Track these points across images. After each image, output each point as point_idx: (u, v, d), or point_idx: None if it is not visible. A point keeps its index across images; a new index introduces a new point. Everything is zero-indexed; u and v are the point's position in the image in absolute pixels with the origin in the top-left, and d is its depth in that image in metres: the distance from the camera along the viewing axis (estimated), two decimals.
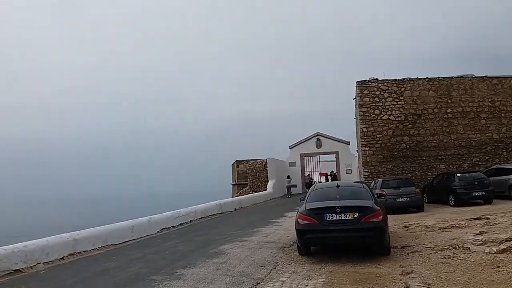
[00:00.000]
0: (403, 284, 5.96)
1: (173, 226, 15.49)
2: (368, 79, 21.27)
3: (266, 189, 31.17)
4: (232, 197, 47.72)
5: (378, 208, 7.90)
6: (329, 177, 38.98)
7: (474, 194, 16.26)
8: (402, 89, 21.03)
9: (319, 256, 8.22)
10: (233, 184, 48.04)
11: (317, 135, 35.03)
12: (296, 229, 8.13)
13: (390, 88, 21.06)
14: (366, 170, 20.62)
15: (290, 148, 35.69)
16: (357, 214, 7.66)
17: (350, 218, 7.66)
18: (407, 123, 20.83)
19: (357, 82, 21.49)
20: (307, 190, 31.55)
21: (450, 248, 7.94)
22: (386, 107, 20.95)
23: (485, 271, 6.28)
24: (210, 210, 19.40)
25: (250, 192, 32.69)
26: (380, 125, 20.82)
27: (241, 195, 32.70)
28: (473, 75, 21.51)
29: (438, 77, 21.25)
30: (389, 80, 21.18)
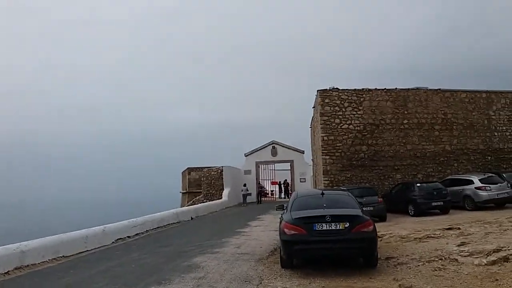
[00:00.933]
0: None
1: (128, 236, 14.34)
2: (329, 88, 21.35)
3: (221, 197, 30.35)
4: (181, 206, 46.43)
5: (368, 217, 7.56)
6: (282, 186, 38.93)
7: (433, 204, 16.63)
8: (362, 99, 21.32)
9: (302, 269, 7.71)
10: (183, 193, 46.67)
11: (273, 143, 34.86)
12: (282, 240, 7.55)
13: (350, 98, 21.27)
14: (326, 179, 20.56)
15: (246, 156, 35.20)
16: (348, 223, 7.25)
17: (340, 228, 7.24)
18: (366, 133, 21.11)
19: (318, 90, 21.51)
20: (258, 199, 31.39)
21: (436, 259, 7.74)
22: (346, 116, 21.11)
23: (485, 285, 6.08)
24: (166, 219, 18.33)
25: (205, 201, 31.66)
26: (340, 134, 20.92)
27: (194, 204, 31.64)
28: (427, 87, 22.29)
29: (396, 88, 21.79)
30: (349, 89, 21.40)
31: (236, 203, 31.60)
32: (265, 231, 14.01)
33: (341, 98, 21.19)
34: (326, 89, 21.29)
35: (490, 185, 16.80)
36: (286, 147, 34.78)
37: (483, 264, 7.05)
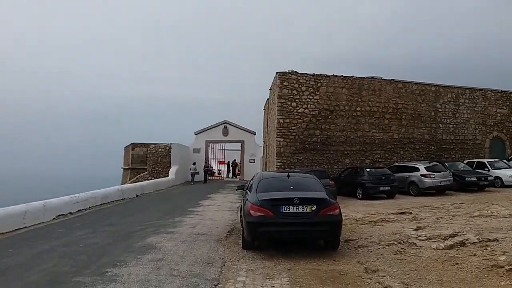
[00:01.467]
0: (378, 284, 5.53)
1: (70, 213, 13.43)
2: (288, 71, 21.14)
3: (168, 175, 29.52)
4: (122, 182, 44.80)
5: (335, 201, 7.45)
6: (230, 166, 38.70)
7: (380, 188, 17.17)
8: (319, 84, 21.37)
9: (265, 251, 7.48)
10: (125, 169, 44.95)
11: (225, 123, 34.32)
12: (246, 222, 7.25)
13: (308, 82, 21.23)
14: (279, 161, 20.53)
15: (196, 134, 34.41)
16: (314, 206, 7.10)
17: (308, 210, 7.07)
18: (320, 118, 21.25)
19: (277, 73, 21.23)
20: (205, 177, 30.70)
21: (395, 243, 7.84)
22: (303, 100, 21.08)
23: (447, 268, 6.18)
24: (111, 196, 17.41)
25: (150, 178, 30.66)
26: (296, 117, 20.89)
27: (139, 181, 30.55)
28: (382, 77, 22.79)
29: (352, 76, 22.06)
30: (308, 74, 21.34)
31: (183, 182, 30.95)
32: (219, 211, 13.68)
33: (300, 82, 21.10)
34: (285, 71, 21.07)
35: (434, 173, 17.59)
36: (238, 128, 34.41)
37: (441, 248, 7.22)
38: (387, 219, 10.31)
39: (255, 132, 34.70)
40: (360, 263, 6.68)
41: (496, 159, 21.41)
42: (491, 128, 25.09)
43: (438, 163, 18.72)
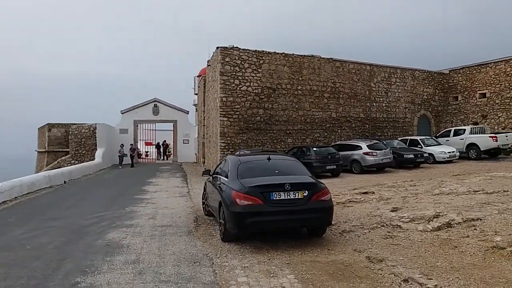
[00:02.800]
0: (394, 276, 5.12)
1: None
2: (229, 46, 20.13)
3: (93, 158, 27.18)
4: (37, 166, 40.74)
5: (324, 185, 6.92)
6: (161, 147, 36.90)
7: (327, 167, 17.24)
8: (261, 61, 20.69)
9: (247, 242, 6.77)
10: (39, 151, 40.83)
11: (155, 101, 32.28)
12: (231, 212, 6.42)
13: (250, 59, 20.43)
14: (223, 141, 19.69)
15: (122, 114, 31.97)
16: (306, 192, 6.50)
17: (299, 197, 6.45)
18: (263, 96, 20.69)
19: (218, 48, 20.09)
20: (132, 161, 28.30)
21: (379, 226, 7.58)
22: (246, 78, 20.29)
23: (449, 252, 5.99)
24: (38, 183, 15.43)
25: (73, 162, 28.01)
26: (239, 96, 20.08)
27: (60, 165, 27.78)
28: (320, 56, 22.75)
29: (293, 54, 21.69)
30: (250, 50, 20.53)
31: (110, 165, 28.81)
32: (170, 197, 12.58)
33: (242, 58, 20.22)
34: (227, 47, 20.03)
35: (376, 151, 18.04)
36: (169, 106, 32.61)
37: (429, 230, 7.08)
38: (354, 200, 10.11)
39: (188, 111, 33.28)
40: (357, 251, 6.25)
41: (427, 137, 22.69)
42: (419, 107, 26.55)
43: (378, 141, 19.25)
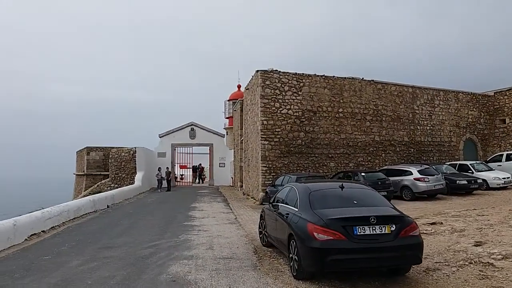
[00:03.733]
0: None
1: (43, 231, 11.47)
2: (269, 70, 19.97)
3: (133, 182, 27.27)
4: (75, 189, 41.39)
5: (411, 218, 6.31)
6: (197, 170, 36.84)
7: None
8: (301, 84, 20.40)
9: (323, 281, 6.19)
10: (78, 175, 41.57)
11: (191, 124, 32.42)
12: (309, 248, 5.89)
13: (290, 82, 20.19)
14: (264, 165, 19.30)
15: (160, 137, 32.22)
16: (394, 226, 5.91)
17: (386, 231, 5.86)
18: (304, 119, 20.28)
19: (258, 71, 19.96)
20: (168, 184, 27.98)
21: (467, 263, 6.86)
22: (286, 101, 20.01)
23: None
24: (83, 208, 15.39)
25: (112, 185, 28.21)
26: (280, 119, 19.77)
27: (102, 188, 28.02)
28: (362, 78, 22.26)
29: (333, 76, 21.31)
30: (290, 73, 20.30)
31: (148, 188, 28.84)
32: (220, 224, 12.17)
33: (282, 81, 20.00)
34: (267, 70, 19.88)
35: (428, 177, 17.17)
36: (206, 130, 32.64)
37: None
38: (423, 231, 9.37)
39: (223, 134, 33.18)
40: None
41: (477, 161, 21.58)
42: (464, 130, 25.45)
43: (428, 166, 18.36)
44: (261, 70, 19.86)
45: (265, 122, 19.44)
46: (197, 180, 36.33)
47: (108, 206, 18.24)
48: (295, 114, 20.09)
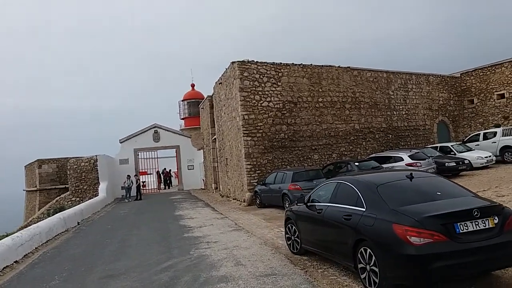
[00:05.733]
0: None
1: (16, 262, 9.53)
2: (246, 60, 18.66)
3: (97, 194, 24.93)
4: (27, 207, 37.87)
5: (510, 208, 5.31)
6: (161, 175, 34.73)
7: None
8: (280, 74, 19.27)
9: None
10: (28, 191, 37.96)
11: (155, 127, 30.28)
12: (401, 255, 4.68)
13: (268, 72, 18.98)
14: (249, 163, 17.99)
15: (121, 143, 29.81)
16: (496, 218, 4.88)
17: (490, 225, 4.82)
18: (285, 111, 19.19)
19: (235, 62, 18.59)
20: (139, 193, 25.71)
21: None
22: (266, 92, 18.80)
23: None
24: (55, 228, 13.31)
25: (73, 199, 25.66)
26: (261, 112, 18.52)
27: (60, 204, 25.41)
28: (339, 65, 21.52)
29: (311, 65, 20.38)
30: (268, 63, 19.10)
31: (112, 199, 26.57)
32: (225, 232, 10.72)
33: (260, 72, 18.75)
34: (244, 60, 18.55)
35: (420, 161, 16.70)
36: (171, 131, 30.67)
37: None
38: None
39: (190, 135, 31.39)
40: None
41: (457, 143, 21.57)
42: (436, 113, 25.56)
43: (418, 151, 17.96)
44: (238, 61, 18.49)
45: (246, 117, 18.12)
46: (162, 186, 34.23)
47: (78, 223, 16.16)
48: (276, 106, 18.94)
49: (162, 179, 34.55)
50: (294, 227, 7.72)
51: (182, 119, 44.13)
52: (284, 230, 8.28)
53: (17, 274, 8.30)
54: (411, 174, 5.86)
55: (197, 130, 38.34)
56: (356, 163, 16.26)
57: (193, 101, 41.92)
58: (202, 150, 29.33)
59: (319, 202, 6.94)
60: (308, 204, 7.21)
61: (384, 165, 17.03)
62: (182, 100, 44.27)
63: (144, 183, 34.92)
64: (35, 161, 34.65)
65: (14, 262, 9.40)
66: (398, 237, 4.76)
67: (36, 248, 10.96)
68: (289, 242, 8.01)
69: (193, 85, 44.73)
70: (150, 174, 33.72)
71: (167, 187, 34.42)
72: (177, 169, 31.47)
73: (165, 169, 34.90)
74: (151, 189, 33.11)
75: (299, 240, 7.55)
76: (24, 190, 39.30)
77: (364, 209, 5.52)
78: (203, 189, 29.37)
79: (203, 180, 29.35)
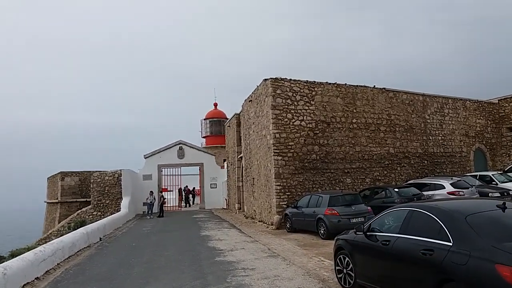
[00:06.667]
0: None
1: (37, 278, 8.85)
2: (279, 78, 18.08)
3: (119, 209, 24.40)
4: (46, 218, 37.70)
5: None
6: (183, 193, 34.09)
7: None
8: (313, 93, 18.60)
9: None
10: (49, 203, 37.84)
11: (180, 143, 29.84)
12: None
13: (302, 90, 18.34)
14: (278, 184, 17.17)
15: (146, 158, 29.42)
16: None
17: None
18: (317, 131, 18.42)
19: (267, 80, 18.03)
20: (161, 210, 25.33)
21: None
22: (298, 111, 18.11)
23: None
24: (78, 243, 12.67)
25: (95, 213, 25.19)
26: (293, 131, 17.81)
27: (82, 217, 24.94)
28: (374, 85, 20.74)
29: (345, 84, 19.66)
30: (301, 80, 18.47)
31: (134, 215, 25.97)
32: (259, 258, 9.86)
33: (293, 90, 18.13)
34: (277, 78, 17.97)
35: (463, 190, 15.59)
36: (195, 148, 30.18)
37: None
38: None
39: (214, 153, 30.80)
40: None
41: (497, 172, 20.32)
42: (473, 140, 24.35)
43: (460, 179, 16.85)
44: (271, 78, 17.94)
45: (277, 135, 17.41)
46: (183, 204, 33.55)
47: (100, 239, 15.54)
48: (308, 125, 18.20)
49: (184, 196, 33.89)
50: (347, 258, 6.84)
51: (204, 137, 43.82)
52: (334, 262, 7.39)
53: None
54: (504, 204, 4.98)
55: (218, 149, 37.98)
56: (396, 189, 15.26)
57: (215, 120, 41.78)
58: (225, 169, 28.64)
59: (381, 232, 6.08)
60: (367, 234, 6.35)
61: (424, 193, 16.01)
62: (204, 119, 44.06)
63: (165, 200, 34.40)
64: (58, 173, 34.63)
65: (35, 278, 8.77)
66: (504, 280, 3.87)
67: (58, 264, 10.32)
68: (339, 275, 7.12)
69: (215, 104, 44.59)
70: (171, 191, 33.15)
71: (187, 205, 33.73)
72: (200, 186, 30.79)
73: (186, 186, 34.28)
74: (172, 206, 32.46)
75: (352, 274, 6.67)
76: (45, 202, 39.25)
77: (450, 244, 4.65)
78: (225, 208, 28.55)
79: (226, 199, 28.58)
